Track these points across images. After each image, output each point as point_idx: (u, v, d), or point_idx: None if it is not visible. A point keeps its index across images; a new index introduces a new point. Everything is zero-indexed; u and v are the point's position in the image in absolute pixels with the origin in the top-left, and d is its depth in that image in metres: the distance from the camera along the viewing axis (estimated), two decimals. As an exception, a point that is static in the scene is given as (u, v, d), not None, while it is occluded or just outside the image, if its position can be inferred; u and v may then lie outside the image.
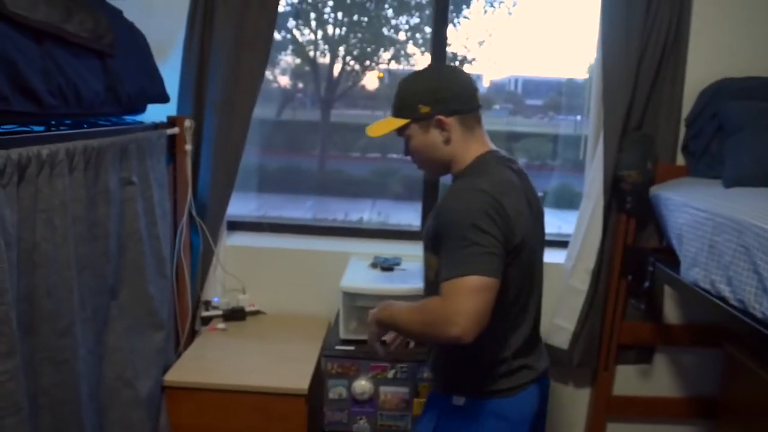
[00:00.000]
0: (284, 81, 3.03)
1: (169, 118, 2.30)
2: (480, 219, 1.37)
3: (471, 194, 1.42)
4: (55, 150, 1.52)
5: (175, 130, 2.27)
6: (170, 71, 2.44)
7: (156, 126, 2.17)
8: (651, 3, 2.39)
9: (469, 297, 1.31)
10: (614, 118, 2.43)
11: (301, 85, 3.05)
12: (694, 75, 2.49)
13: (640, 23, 2.39)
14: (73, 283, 1.62)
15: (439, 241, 1.43)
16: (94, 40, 1.73)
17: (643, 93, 2.45)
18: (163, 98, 2.21)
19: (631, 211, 2.47)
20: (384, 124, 1.59)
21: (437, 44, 2.70)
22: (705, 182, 2.31)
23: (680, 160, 2.57)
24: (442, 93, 1.51)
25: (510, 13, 2.87)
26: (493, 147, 1.61)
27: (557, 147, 3.00)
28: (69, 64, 1.62)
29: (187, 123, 2.32)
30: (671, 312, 2.67)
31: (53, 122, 1.71)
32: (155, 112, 2.28)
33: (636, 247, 2.52)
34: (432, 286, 1.51)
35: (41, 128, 1.65)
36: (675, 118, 2.51)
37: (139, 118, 2.20)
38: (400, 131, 1.58)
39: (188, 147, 2.34)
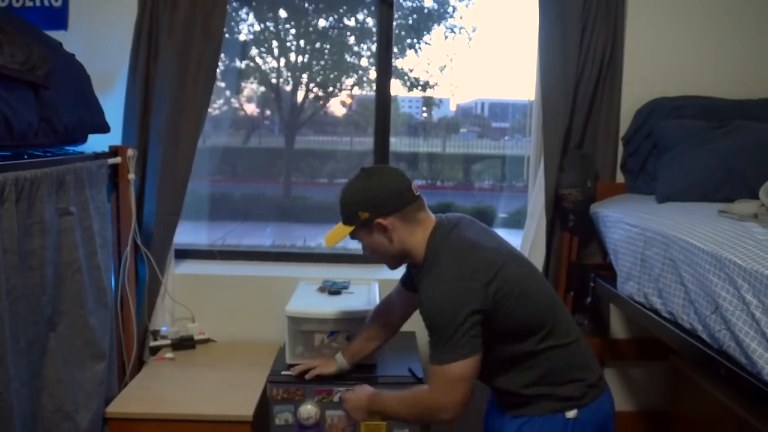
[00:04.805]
0: (251, 108, 3.06)
1: (111, 147, 2.30)
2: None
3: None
4: (-18, 182, 1.52)
5: (117, 159, 2.27)
6: (115, 102, 2.45)
7: (96, 156, 2.16)
8: (586, 27, 2.49)
9: None
10: (554, 138, 2.50)
11: (268, 112, 3.08)
12: (630, 95, 2.58)
13: (576, 47, 2.48)
14: (3, 315, 1.59)
15: None
16: (26, 72, 1.74)
17: (582, 113, 2.53)
18: (104, 128, 2.22)
19: (573, 229, 2.53)
20: (337, 232, 1.70)
21: (382, 69, 2.78)
22: (641, 198, 2.38)
23: (620, 178, 2.63)
24: (376, 199, 1.61)
25: (470, 39, 2.97)
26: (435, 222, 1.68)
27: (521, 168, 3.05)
28: (-3, 95, 1.62)
29: (130, 152, 2.32)
30: (618, 327, 2.72)
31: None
32: (99, 143, 2.29)
33: (579, 263, 2.56)
34: None
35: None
36: (613, 138, 2.59)
37: (80, 148, 2.20)
38: (352, 235, 1.70)
39: (131, 176, 2.33)
